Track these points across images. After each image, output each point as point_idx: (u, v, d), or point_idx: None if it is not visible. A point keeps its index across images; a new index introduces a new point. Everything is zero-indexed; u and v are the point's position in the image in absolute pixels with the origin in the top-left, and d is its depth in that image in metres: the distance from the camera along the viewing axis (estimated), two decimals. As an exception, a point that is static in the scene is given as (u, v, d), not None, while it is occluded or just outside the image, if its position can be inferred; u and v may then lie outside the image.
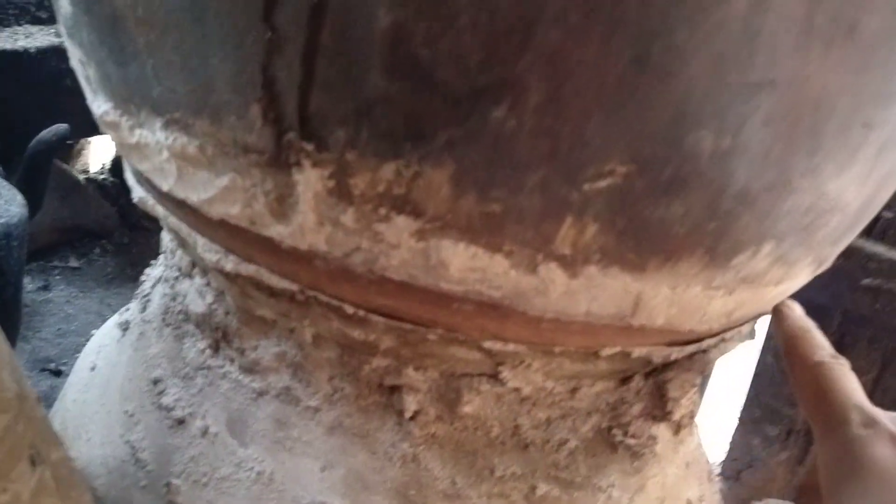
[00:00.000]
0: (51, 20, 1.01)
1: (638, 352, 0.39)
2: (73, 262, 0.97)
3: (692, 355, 0.41)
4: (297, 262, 0.36)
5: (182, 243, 0.43)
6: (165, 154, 0.35)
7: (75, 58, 0.39)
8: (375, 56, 0.28)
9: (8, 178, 0.86)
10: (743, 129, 0.29)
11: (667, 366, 0.42)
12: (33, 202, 0.84)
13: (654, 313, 0.35)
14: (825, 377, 0.34)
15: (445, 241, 0.32)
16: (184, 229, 0.40)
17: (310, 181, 0.32)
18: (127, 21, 0.33)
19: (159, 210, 0.41)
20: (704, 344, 0.40)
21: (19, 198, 0.77)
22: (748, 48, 0.28)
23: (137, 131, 0.36)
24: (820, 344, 0.36)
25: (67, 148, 1.06)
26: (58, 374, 0.81)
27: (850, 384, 0.34)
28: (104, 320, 0.92)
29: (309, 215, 0.33)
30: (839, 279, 0.88)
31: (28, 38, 0.96)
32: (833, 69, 0.29)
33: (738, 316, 0.39)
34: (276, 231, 0.34)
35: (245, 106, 0.31)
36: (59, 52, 0.98)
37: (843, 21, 0.28)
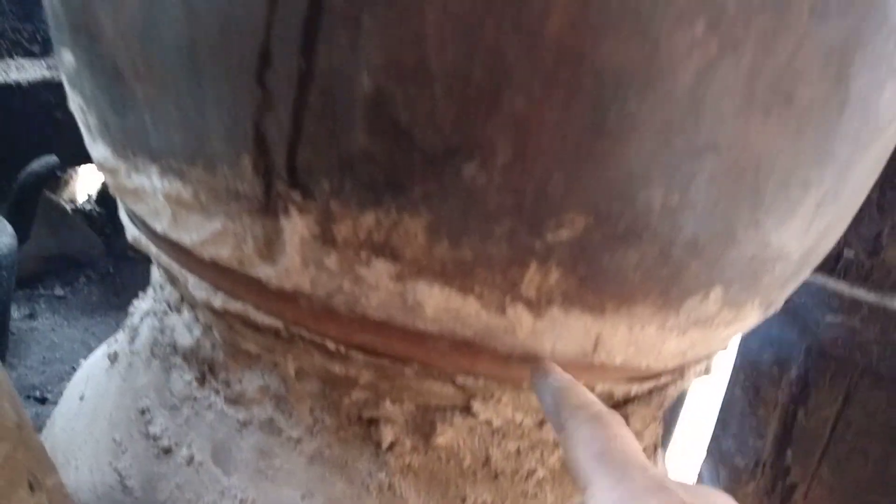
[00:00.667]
0: (43, 53, 1.04)
1: (600, 387, 0.41)
2: (59, 291, 0.99)
3: (651, 391, 0.44)
4: (282, 301, 0.38)
5: (172, 280, 0.45)
6: (161, 198, 0.38)
7: (76, 105, 0.42)
8: (358, 117, 0.31)
9: (-3, 208, 0.88)
10: (690, 186, 0.32)
11: (628, 400, 0.44)
12: (22, 232, 0.86)
13: (614, 352, 0.38)
14: (611, 426, 0.31)
15: (421, 283, 0.35)
16: (175, 267, 0.42)
17: (296, 227, 0.34)
18: (127, 76, 0.36)
19: (151, 248, 0.44)
20: (662, 380, 0.43)
21: (9, 229, 0.79)
22: (694, 116, 0.31)
23: (134, 176, 0.39)
24: (594, 398, 0.33)
25: (56, 178, 1.08)
26: (43, 401, 0.83)
27: (634, 442, 0.31)
28: (88, 349, 0.93)
29: (295, 258, 0.35)
30: (803, 316, 0.91)
31: (20, 70, 0.98)
32: (772, 134, 0.32)
33: (692, 355, 0.42)
34: (264, 272, 0.37)
35: (237, 157, 0.34)
36: (49, 86, 1.01)
37: (780, 91, 0.32)
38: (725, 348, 0.45)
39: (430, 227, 0.33)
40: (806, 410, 0.98)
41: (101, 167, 0.42)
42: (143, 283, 0.56)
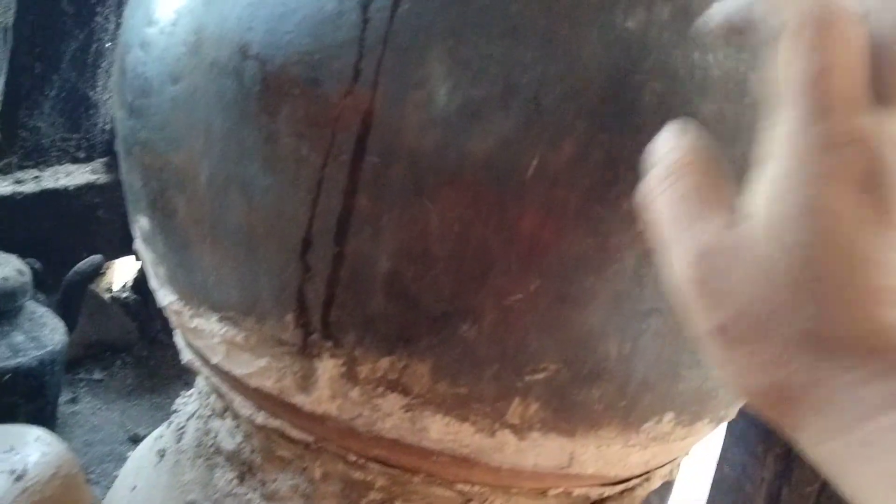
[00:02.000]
0: (87, 159, 1.15)
1: (578, 491, 0.50)
2: (98, 375, 1.08)
3: (622, 492, 0.52)
4: (313, 421, 0.47)
5: (219, 394, 0.54)
6: (217, 339, 0.47)
7: (148, 258, 0.51)
8: (378, 288, 0.40)
9: (47, 302, 0.97)
10: (639, 339, 0.41)
11: (603, 500, 0.52)
12: (69, 325, 0.95)
13: (586, 465, 0.46)
14: (831, 51, 0.25)
15: (427, 413, 0.43)
16: (223, 388, 0.51)
17: (327, 367, 0.43)
18: (195, 245, 0.45)
19: (204, 371, 0.52)
20: (631, 483, 0.51)
21: (61, 326, 0.88)
22: (638, 288, 0.40)
23: (196, 320, 0.48)
24: None
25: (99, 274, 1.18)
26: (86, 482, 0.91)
27: (855, 73, 0.26)
28: (125, 431, 1.02)
29: (325, 391, 0.44)
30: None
31: (68, 176, 1.09)
32: (702, 297, 0.41)
33: (654, 463, 0.50)
34: (299, 400, 0.45)
35: (283, 314, 0.43)
36: (93, 188, 1.11)
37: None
38: (687, 454, 0.53)
39: (433, 370, 0.42)
40: (790, 486, 1.05)
41: (168, 309, 0.51)
42: (174, 366, 0.64)
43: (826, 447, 0.26)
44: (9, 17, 0.99)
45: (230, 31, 0.41)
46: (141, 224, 0.50)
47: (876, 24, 0.27)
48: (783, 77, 0.26)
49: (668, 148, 0.30)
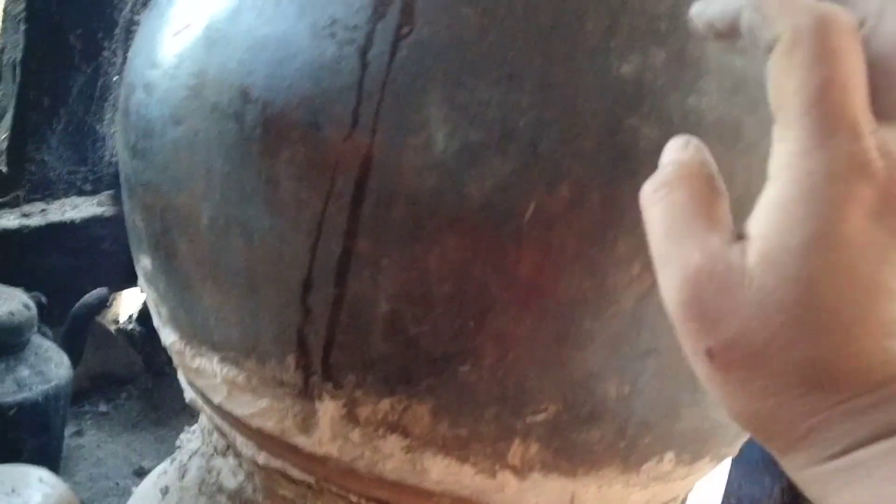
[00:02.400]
0: (93, 191, 1.16)
1: (580, 530, 0.49)
2: (103, 407, 1.08)
3: (625, 531, 0.52)
4: (314, 462, 0.47)
5: (221, 433, 0.54)
6: (219, 379, 0.47)
7: (150, 297, 0.52)
8: (378, 329, 0.40)
9: (52, 335, 0.97)
10: (638, 380, 0.41)
11: (606, 539, 0.52)
12: (74, 358, 0.96)
13: (587, 504, 0.46)
14: (839, 60, 0.24)
15: (427, 454, 0.43)
16: (225, 427, 0.51)
17: (328, 409, 0.43)
18: (196, 286, 0.45)
19: (206, 410, 0.53)
20: (633, 522, 0.51)
21: (66, 360, 0.88)
22: (636, 329, 0.40)
23: (198, 359, 0.48)
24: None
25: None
26: (89, 517, 0.91)
27: (860, 90, 0.24)
28: (130, 464, 1.02)
29: (326, 432, 0.44)
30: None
31: (74, 209, 1.10)
32: (701, 337, 0.41)
33: (655, 502, 0.49)
34: (300, 440, 0.46)
35: (283, 355, 0.43)
36: (99, 221, 1.12)
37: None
38: (690, 490, 0.53)
39: (433, 411, 0.42)
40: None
41: (169, 347, 0.51)
42: (179, 398, 0.64)
43: (812, 471, 0.26)
44: (17, 53, 1.01)
45: (231, 74, 0.42)
46: (143, 264, 0.50)
47: (873, 34, 0.27)
48: (780, 93, 0.25)
49: (668, 159, 0.28)
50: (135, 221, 0.50)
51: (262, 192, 0.41)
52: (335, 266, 0.40)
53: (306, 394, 0.44)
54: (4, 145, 1.01)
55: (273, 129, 0.40)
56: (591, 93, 0.38)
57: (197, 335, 0.47)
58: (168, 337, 0.51)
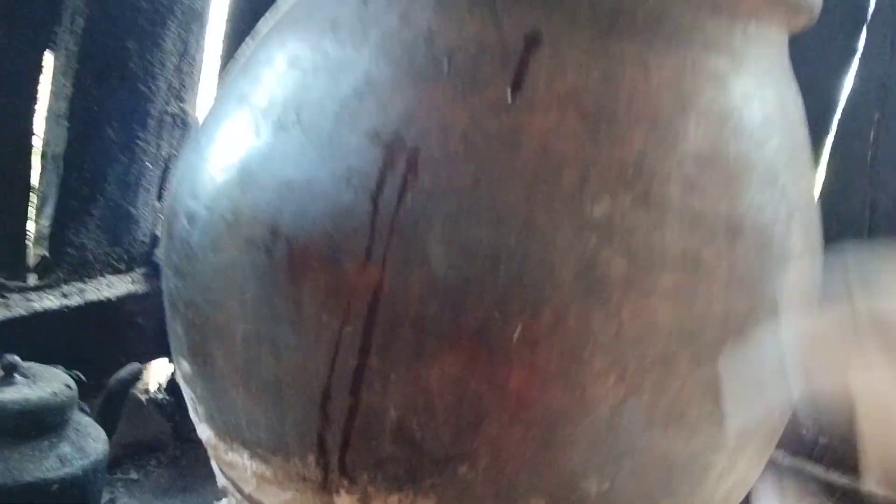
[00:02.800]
0: (127, 269, 1.23)
1: None
2: (133, 475, 1.14)
3: None
4: (333, 546, 0.52)
5: (249, 516, 0.60)
6: (249, 472, 0.53)
7: (188, 396, 0.58)
8: (387, 433, 0.47)
9: (89, 409, 1.04)
10: (616, 478, 0.47)
11: None
12: (109, 431, 1.02)
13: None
14: None
15: (431, 542, 0.49)
16: (254, 512, 0.57)
17: (344, 501, 0.49)
18: (230, 391, 0.52)
19: (237, 496, 0.59)
20: None
21: (103, 435, 0.94)
22: (613, 434, 0.46)
23: (230, 454, 0.54)
24: None
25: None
26: (121, 584, 0.96)
27: None
28: (159, 532, 1.07)
29: (343, 522, 0.50)
30: (785, 498, 1.02)
31: (110, 287, 1.18)
32: (672, 440, 0.47)
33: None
34: (321, 528, 0.51)
35: (306, 455, 0.49)
36: (133, 298, 1.20)
37: (673, 413, 0.47)
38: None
39: (437, 505, 0.48)
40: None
41: (205, 442, 0.57)
42: (206, 465, 0.70)
43: None
44: (60, 147, 1.10)
45: (262, 213, 0.49)
46: (182, 367, 0.57)
47: None
48: None
49: None
50: (176, 330, 0.56)
51: (289, 313, 0.48)
52: (350, 378, 0.46)
53: (325, 488, 0.50)
54: (48, 231, 1.09)
55: (298, 261, 0.47)
56: (568, 232, 0.45)
57: (230, 433, 0.54)
58: (204, 433, 0.57)
